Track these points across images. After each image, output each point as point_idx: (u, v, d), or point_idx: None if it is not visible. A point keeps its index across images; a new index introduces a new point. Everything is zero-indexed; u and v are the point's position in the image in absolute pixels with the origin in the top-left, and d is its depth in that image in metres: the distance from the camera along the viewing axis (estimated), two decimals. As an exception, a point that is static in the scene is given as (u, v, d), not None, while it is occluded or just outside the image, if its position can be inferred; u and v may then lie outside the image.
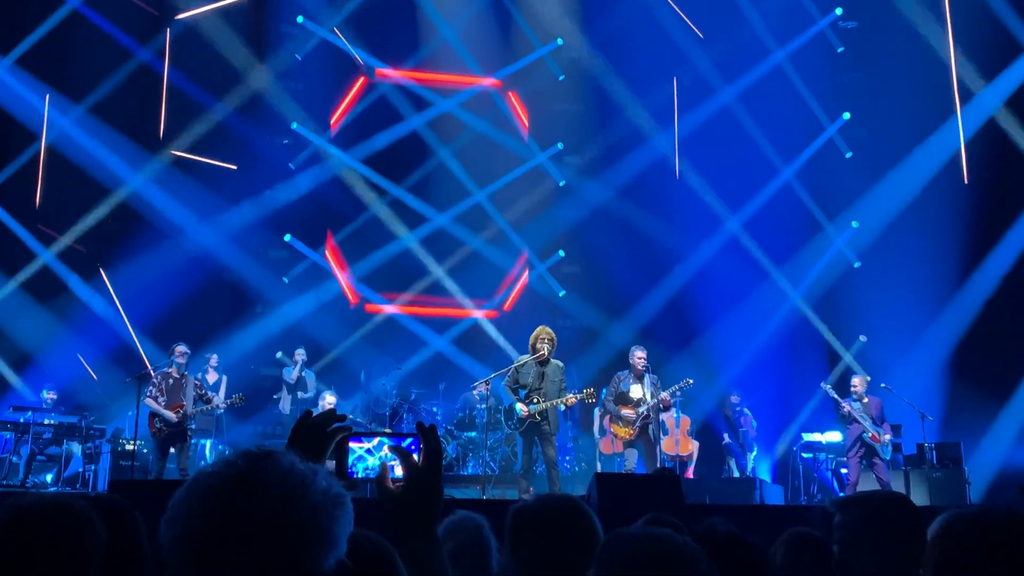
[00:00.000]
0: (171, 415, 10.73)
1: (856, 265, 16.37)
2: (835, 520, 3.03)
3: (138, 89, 15.52)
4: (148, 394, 10.85)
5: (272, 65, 16.15)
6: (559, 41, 16.84)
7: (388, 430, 13.72)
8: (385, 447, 2.14)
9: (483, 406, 13.64)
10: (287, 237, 16.36)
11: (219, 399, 11.35)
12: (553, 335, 10.45)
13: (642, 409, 10.90)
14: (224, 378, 14.16)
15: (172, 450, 10.97)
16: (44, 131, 15.08)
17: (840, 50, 16.63)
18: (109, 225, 15.39)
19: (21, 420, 12.42)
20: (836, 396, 11.89)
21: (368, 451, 2.19)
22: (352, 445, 2.18)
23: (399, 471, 2.01)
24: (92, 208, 15.28)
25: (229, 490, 1.56)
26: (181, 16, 15.51)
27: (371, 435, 2.20)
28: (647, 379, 11.02)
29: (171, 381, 10.96)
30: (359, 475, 2.16)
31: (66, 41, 15.21)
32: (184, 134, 15.68)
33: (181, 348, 11.11)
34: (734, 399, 14.66)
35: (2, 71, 14.83)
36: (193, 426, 11.09)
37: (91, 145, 15.08)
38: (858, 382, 11.95)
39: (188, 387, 11.00)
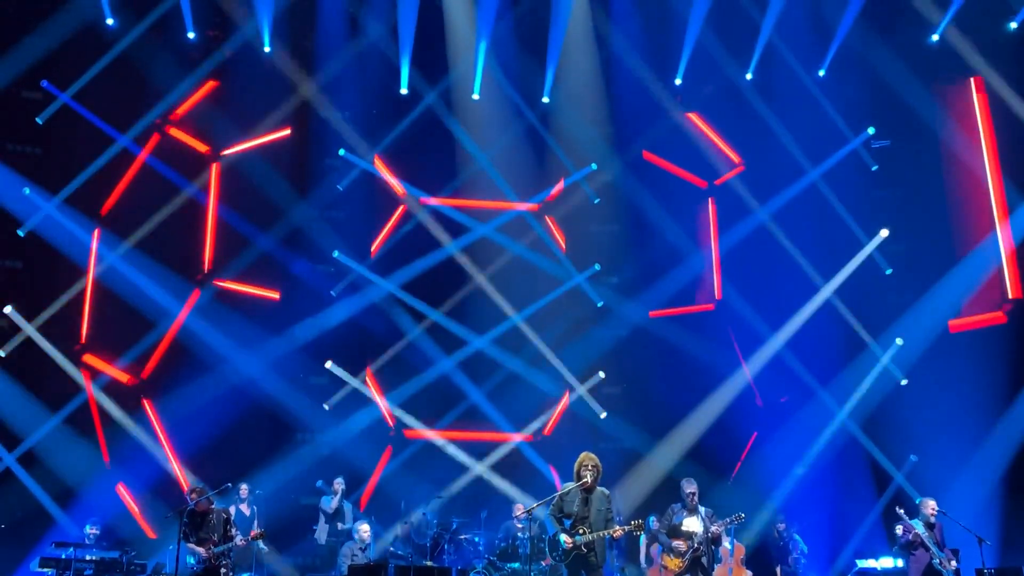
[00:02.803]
0: (202, 552, 10.64)
1: (903, 382, 16.08)
2: None
3: (184, 223, 15.90)
4: (181, 534, 10.75)
5: (314, 197, 16.52)
6: (593, 166, 17.09)
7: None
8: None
9: (525, 536, 13.34)
10: (328, 364, 16.41)
11: (239, 537, 11.19)
12: (598, 461, 10.22)
13: (694, 542, 10.75)
14: (255, 509, 14.06)
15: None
16: (91, 266, 15.41)
17: (874, 168, 16.70)
18: (152, 357, 15.55)
19: (63, 556, 12.34)
20: (908, 520, 11.39)
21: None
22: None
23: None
24: (136, 340, 15.47)
25: None
26: (226, 152, 15.97)
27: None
28: (700, 511, 10.95)
29: (198, 519, 10.87)
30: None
31: (115, 179, 15.65)
32: (228, 265, 15.97)
33: (193, 493, 10.99)
34: (780, 526, 14.28)
35: (52, 208, 15.26)
36: (224, 564, 10.86)
37: (137, 278, 15.39)
38: (933, 505, 11.48)
39: (216, 523, 10.89)
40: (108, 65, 15.45)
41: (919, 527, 11.29)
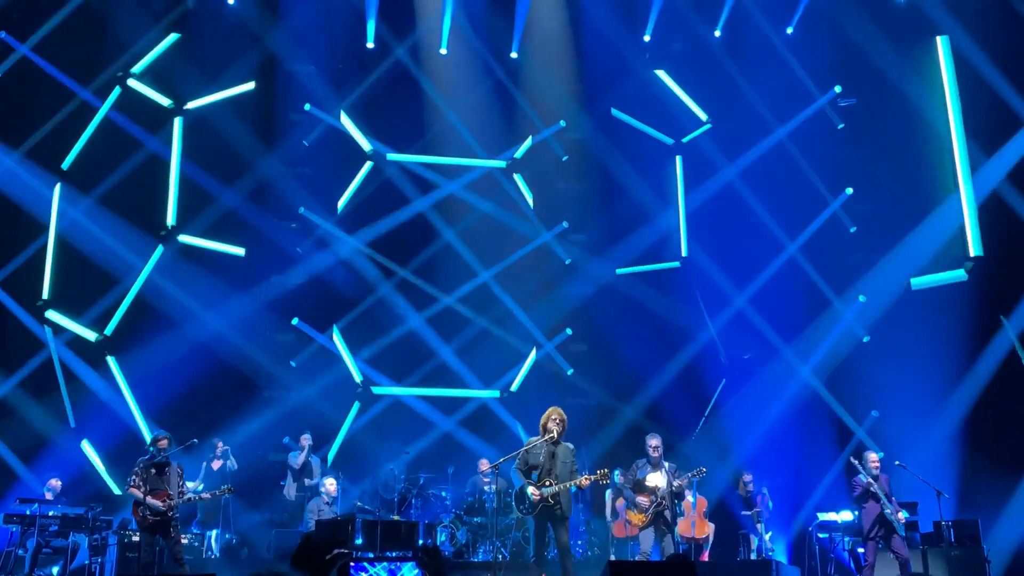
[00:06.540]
0: (157, 504, 10.58)
1: (865, 339, 16.29)
2: None
3: (147, 178, 15.67)
4: (130, 483, 10.70)
5: (280, 152, 16.35)
6: (562, 123, 17.04)
7: (394, 514, 13.55)
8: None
9: (492, 490, 13.44)
10: (294, 321, 16.36)
11: (191, 492, 11.16)
12: (564, 416, 10.31)
13: (657, 496, 10.93)
14: (229, 463, 14.07)
15: (160, 539, 10.74)
16: (53, 221, 15.20)
17: (840, 127, 16.79)
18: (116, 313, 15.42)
19: (27, 512, 12.28)
20: (863, 472, 11.55)
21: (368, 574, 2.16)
22: (353, 569, 2.14)
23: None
24: (100, 297, 15.32)
25: None
26: (190, 106, 15.75)
27: (371, 560, 2.17)
28: (664, 466, 11.10)
29: (153, 470, 10.81)
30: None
31: (76, 132, 15.41)
32: (193, 221, 15.80)
33: (163, 440, 10.95)
34: (747, 478, 14.47)
35: (12, 163, 15.03)
36: (178, 515, 10.87)
37: (100, 234, 15.21)
38: (874, 458, 11.70)
39: (172, 476, 10.86)
40: (68, 16, 15.16)
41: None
